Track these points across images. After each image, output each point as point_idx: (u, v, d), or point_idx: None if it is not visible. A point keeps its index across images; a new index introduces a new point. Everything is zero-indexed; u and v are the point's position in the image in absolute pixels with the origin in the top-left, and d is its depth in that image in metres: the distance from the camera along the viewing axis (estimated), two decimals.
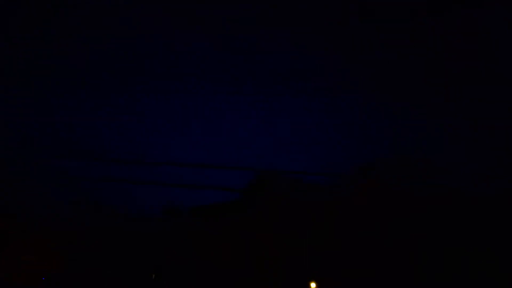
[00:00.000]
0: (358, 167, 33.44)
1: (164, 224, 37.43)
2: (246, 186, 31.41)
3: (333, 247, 25.77)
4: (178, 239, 34.02)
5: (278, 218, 28.54)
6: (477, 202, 24.52)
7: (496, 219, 24.22)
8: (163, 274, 33.00)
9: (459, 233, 24.22)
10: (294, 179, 31.76)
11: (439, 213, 25.21)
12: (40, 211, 34.73)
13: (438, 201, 25.46)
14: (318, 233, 26.31)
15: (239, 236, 29.93)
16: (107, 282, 33.43)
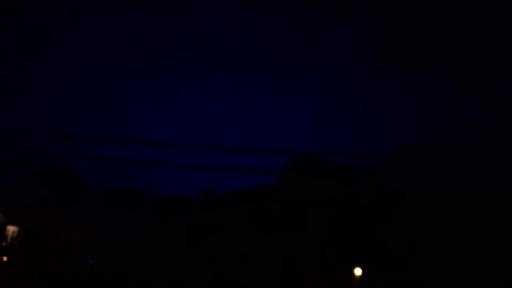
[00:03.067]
0: (398, 148, 32.57)
1: (200, 208, 37.46)
2: (285, 169, 30.89)
3: (377, 233, 25.15)
4: (216, 222, 33.98)
5: (319, 203, 28.01)
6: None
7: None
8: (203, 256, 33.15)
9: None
10: (333, 162, 31.09)
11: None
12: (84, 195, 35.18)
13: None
14: (361, 219, 25.70)
15: (280, 220, 29.60)
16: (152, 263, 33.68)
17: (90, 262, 31.97)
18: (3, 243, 33.92)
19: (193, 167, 27.59)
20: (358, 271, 25.33)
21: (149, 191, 40.89)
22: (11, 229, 34.28)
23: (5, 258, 32.05)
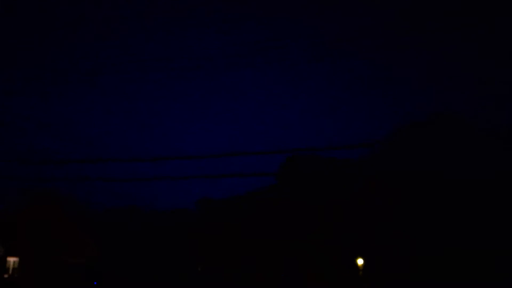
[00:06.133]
0: (386, 134, 32.75)
1: (199, 216, 37.46)
2: (279, 169, 30.89)
3: (376, 231, 25.22)
4: (215, 228, 33.99)
5: (319, 197, 28.06)
6: None
7: None
8: (208, 264, 33.12)
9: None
10: (326, 157, 31.17)
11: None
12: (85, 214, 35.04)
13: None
14: (362, 210, 25.79)
15: (277, 219, 29.64)
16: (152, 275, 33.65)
17: (95, 283, 31.84)
18: (5, 275, 33.62)
19: (189, 177, 27.60)
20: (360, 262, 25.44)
21: (146, 206, 40.87)
22: (12, 260, 33.99)
23: None
